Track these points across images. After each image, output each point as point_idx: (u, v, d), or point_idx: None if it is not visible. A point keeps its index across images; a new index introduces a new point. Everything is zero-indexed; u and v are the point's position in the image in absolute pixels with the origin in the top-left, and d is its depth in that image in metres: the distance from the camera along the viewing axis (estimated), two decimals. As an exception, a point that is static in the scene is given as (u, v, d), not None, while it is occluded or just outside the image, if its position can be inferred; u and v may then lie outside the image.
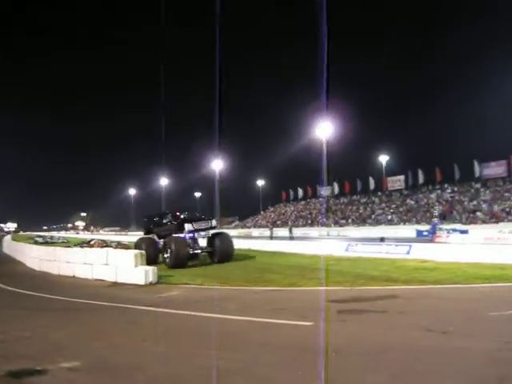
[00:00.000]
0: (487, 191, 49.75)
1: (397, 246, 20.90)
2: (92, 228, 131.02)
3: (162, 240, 21.69)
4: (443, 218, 44.76)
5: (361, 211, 62.53)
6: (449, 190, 54.67)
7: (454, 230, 33.02)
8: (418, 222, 47.72)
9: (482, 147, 51.30)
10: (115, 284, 14.83)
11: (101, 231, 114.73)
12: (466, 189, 52.84)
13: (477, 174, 52.54)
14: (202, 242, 21.77)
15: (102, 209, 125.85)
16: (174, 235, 20.67)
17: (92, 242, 33.17)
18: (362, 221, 58.88)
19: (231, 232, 65.45)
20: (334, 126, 53.46)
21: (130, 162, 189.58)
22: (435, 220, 37.27)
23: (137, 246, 22.20)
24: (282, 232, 50.32)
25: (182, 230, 20.90)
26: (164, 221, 23.07)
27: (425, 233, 35.75)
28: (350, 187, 68.83)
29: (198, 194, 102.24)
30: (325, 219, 62.57)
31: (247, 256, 22.15)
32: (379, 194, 64.57)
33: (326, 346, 6.08)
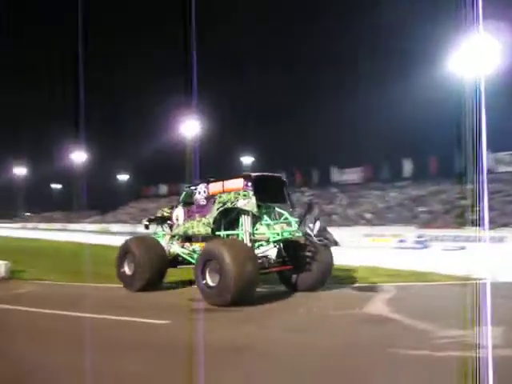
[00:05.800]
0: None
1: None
2: None
3: (184, 244, 11.46)
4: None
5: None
6: (308, 193, 57.91)
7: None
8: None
9: (338, 155, 55.98)
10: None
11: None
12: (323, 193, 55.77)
13: (333, 179, 56.52)
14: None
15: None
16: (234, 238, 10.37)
17: None
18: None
19: (88, 226, 61.85)
20: (202, 126, 51.99)
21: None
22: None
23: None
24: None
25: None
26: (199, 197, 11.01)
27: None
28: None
29: (56, 186, 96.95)
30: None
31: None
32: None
33: (189, 343, 6.09)
